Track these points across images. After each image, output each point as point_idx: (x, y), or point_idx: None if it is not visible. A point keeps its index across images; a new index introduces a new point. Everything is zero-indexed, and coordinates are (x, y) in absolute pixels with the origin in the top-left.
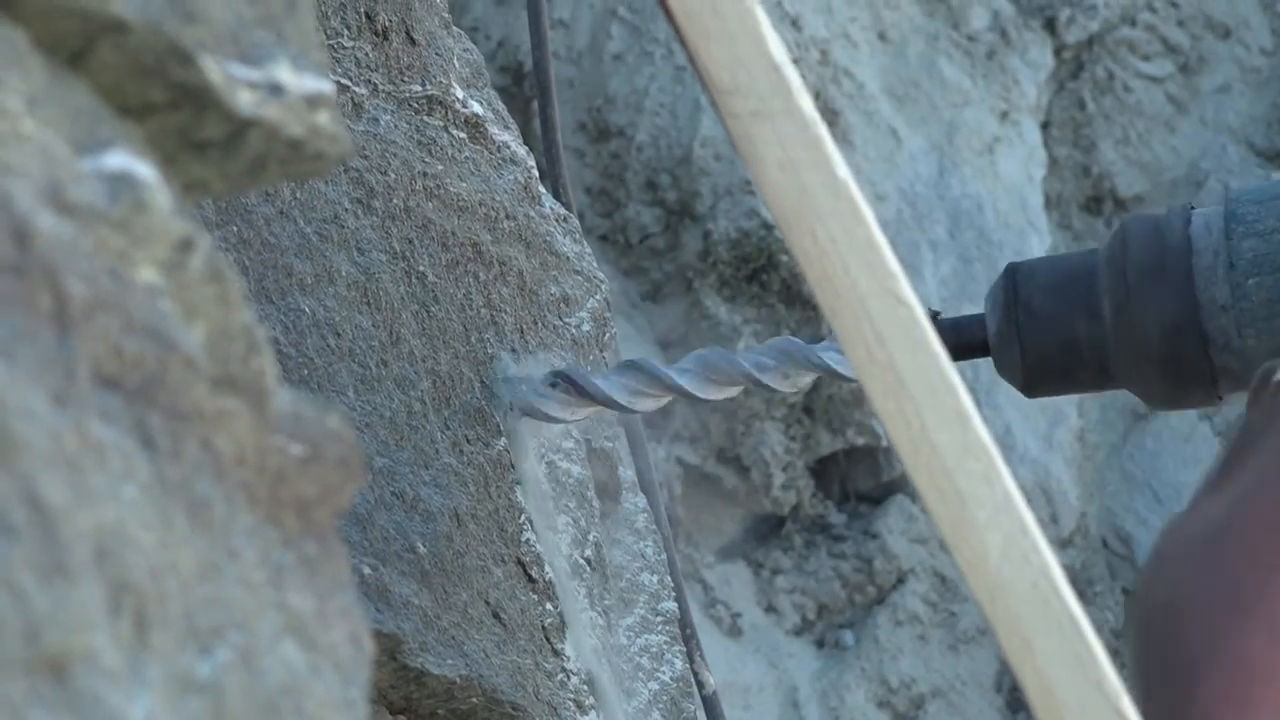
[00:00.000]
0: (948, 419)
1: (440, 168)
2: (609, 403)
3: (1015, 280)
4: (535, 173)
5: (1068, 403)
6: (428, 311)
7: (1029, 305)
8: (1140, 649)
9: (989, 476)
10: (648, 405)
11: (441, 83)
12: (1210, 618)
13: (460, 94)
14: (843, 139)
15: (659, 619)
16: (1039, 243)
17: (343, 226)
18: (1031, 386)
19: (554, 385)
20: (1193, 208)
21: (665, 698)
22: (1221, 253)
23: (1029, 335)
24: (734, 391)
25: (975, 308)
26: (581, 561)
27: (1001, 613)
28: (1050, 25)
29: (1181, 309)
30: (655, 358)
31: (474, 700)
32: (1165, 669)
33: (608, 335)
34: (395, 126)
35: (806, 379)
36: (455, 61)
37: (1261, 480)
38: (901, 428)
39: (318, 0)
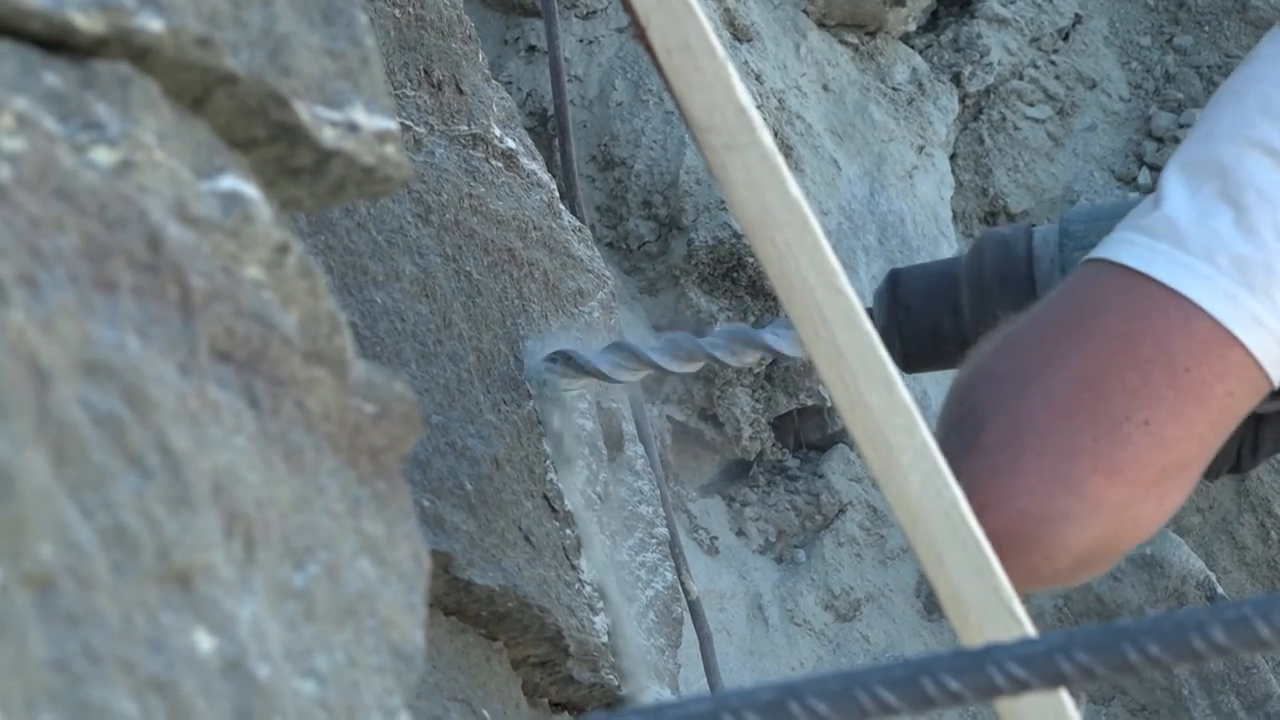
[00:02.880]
0: (877, 384)
1: (482, 190)
2: (597, 374)
3: (896, 284)
4: (556, 194)
5: None
6: (473, 302)
7: (907, 304)
8: (945, 409)
9: (910, 429)
10: (627, 376)
11: (483, 124)
12: (999, 385)
13: (498, 132)
14: (795, 168)
15: (653, 541)
16: (948, 248)
17: (406, 235)
18: (909, 366)
19: (554, 361)
20: (1034, 225)
21: (659, 602)
22: (1056, 262)
23: (906, 328)
24: (695, 366)
25: None
26: (593, 496)
27: (920, 535)
28: (957, 79)
29: (1026, 307)
30: (650, 338)
31: (510, 605)
32: (959, 422)
33: (613, 320)
34: (447, 158)
35: (750, 355)
36: (494, 107)
37: (1045, 302)
38: (842, 391)
39: (386, 59)
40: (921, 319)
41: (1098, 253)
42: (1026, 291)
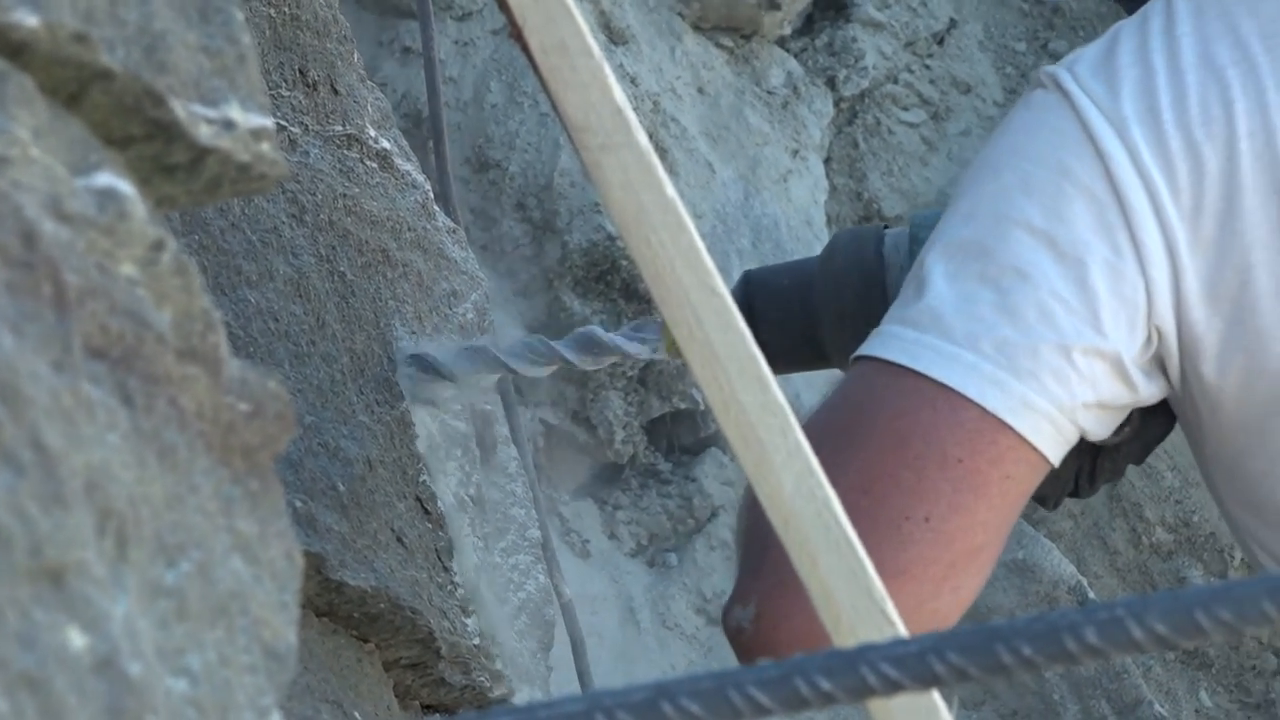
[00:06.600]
0: (751, 384)
1: (357, 190)
2: (451, 377)
3: (749, 288)
4: (431, 195)
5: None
6: (346, 302)
7: (764, 309)
8: (737, 523)
9: (784, 429)
10: (483, 379)
11: (358, 124)
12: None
13: (373, 133)
14: (670, 170)
15: (525, 543)
16: None
17: (280, 235)
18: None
19: (411, 364)
20: (886, 228)
21: (531, 605)
22: (905, 268)
23: (760, 333)
24: (549, 369)
25: None
26: (466, 498)
27: (793, 535)
28: (831, 82)
29: (878, 312)
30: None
31: (382, 606)
32: (748, 539)
33: (487, 322)
34: (322, 158)
35: (603, 358)
36: (369, 108)
37: (822, 405)
38: (715, 391)
39: (261, 58)
40: (777, 324)
41: (865, 349)
42: (880, 297)
